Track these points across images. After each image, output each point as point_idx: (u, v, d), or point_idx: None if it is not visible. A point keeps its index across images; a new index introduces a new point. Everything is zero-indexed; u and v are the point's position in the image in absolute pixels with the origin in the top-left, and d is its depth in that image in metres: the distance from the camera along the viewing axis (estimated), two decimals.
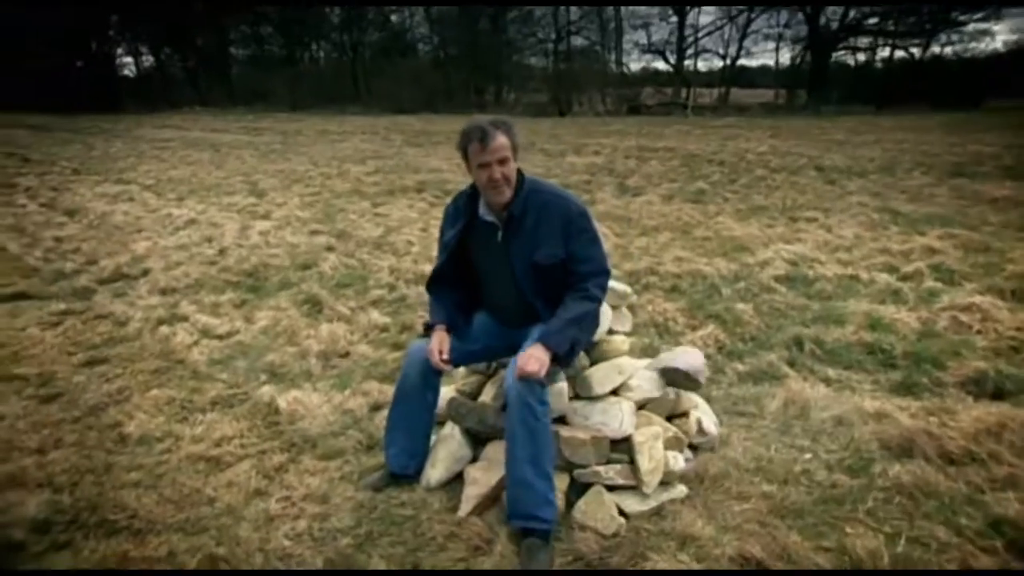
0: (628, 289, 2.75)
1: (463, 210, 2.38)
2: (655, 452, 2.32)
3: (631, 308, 4.37)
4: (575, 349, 2.23)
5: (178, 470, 2.60)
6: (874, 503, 2.33)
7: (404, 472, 2.45)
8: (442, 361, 2.30)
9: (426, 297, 4.46)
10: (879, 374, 3.45)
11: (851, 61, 34.24)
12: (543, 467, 2.15)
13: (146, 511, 2.34)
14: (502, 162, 2.17)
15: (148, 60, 40.59)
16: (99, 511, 2.33)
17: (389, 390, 3.23)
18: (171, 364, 3.56)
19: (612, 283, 2.53)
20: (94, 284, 4.92)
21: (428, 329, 2.41)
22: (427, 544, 2.19)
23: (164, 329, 3.99)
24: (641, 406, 2.53)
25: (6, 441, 2.80)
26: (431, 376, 2.39)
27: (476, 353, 2.50)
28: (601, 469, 2.33)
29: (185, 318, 4.17)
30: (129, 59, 40.63)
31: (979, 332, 3.89)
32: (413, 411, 2.44)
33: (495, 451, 2.42)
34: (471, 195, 2.37)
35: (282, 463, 2.64)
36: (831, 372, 3.44)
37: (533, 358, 2.10)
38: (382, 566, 2.09)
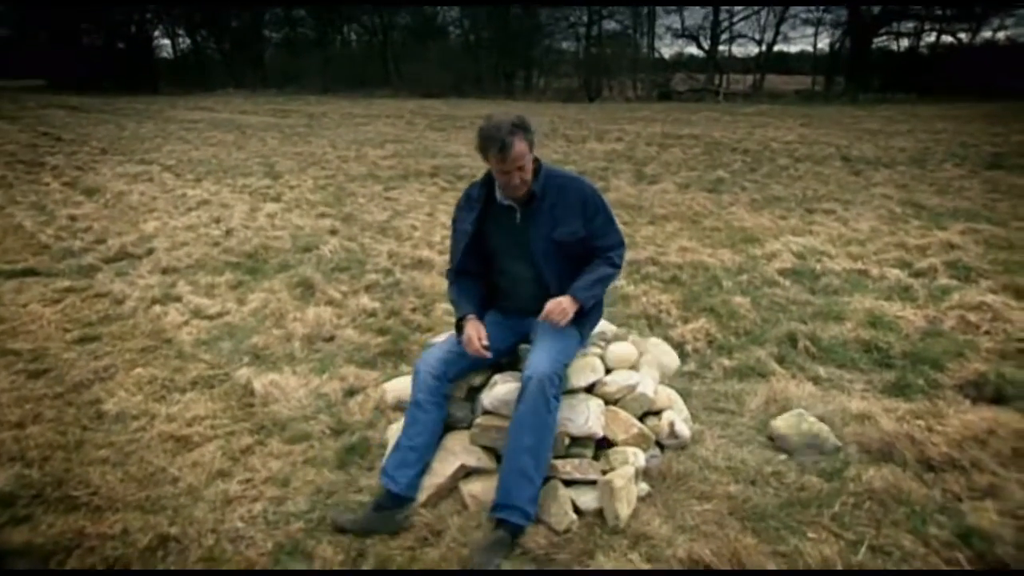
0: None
1: (478, 197, 2.41)
2: (630, 495, 2.22)
3: (624, 298, 4.32)
4: (597, 308, 2.43)
5: (147, 448, 2.64)
6: (841, 508, 2.24)
7: (407, 493, 2.24)
8: (482, 347, 2.27)
9: (419, 282, 4.51)
10: (873, 374, 3.32)
11: (894, 47, 32.94)
12: (542, 462, 2.15)
13: (109, 488, 2.38)
14: (520, 168, 2.24)
15: (185, 42, 41.34)
16: (63, 487, 2.38)
17: (367, 375, 3.25)
18: (159, 343, 3.62)
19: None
20: (99, 262, 5.02)
21: (460, 324, 2.38)
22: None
23: (157, 308, 4.06)
24: (615, 400, 2.48)
25: None
26: (441, 386, 2.31)
27: (477, 361, 2.41)
28: (559, 463, 2.29)
29: (179, 298, 4.24)
30: (167, 41, 41.42)
31: (987, 333, 3.72)
32: (423, 428, 2.29)
33: (453, 442, 2.40)
34: (485, 182, 2.42)
35: (249, 445, 2.67)
36: (822, 370, 3.33)
37: (561, 306, 2.21)
38: (330, 552, 2.08)
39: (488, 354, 2.29)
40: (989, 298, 4.08)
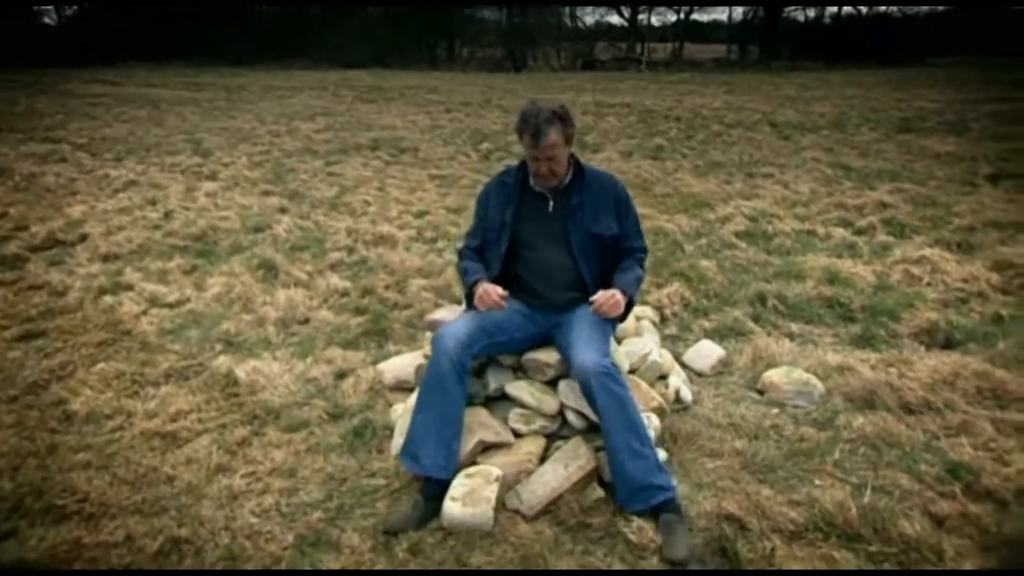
0: None
1: (514, 184, 2.37)
2: None
3: None
4: (631, 307, 2.37)
5: (131, 448, 2.46)
6: (840, 455, 2.38)
7: (444, 475, 2.11)
8: (499, 298, 2.21)
9: (387, 259, 4.38)
10: (839, 328, 3.52)
11: (801, 17, 34.48)
12: (641, 433, 2.08)
13: (98, 493, 2.20)
14: (551, 158, 2.22)
15: (71, 8, 37.64)
16: (45, 496, 2.17)
17: (353, 357, 3.15)
18: (117, 336, 3.36)
19: None
20: (25, 251, 4.57)
21: (471, 291, 2.31)
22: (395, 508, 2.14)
23: (108, 299, 3.75)
24: (633, 370, 2.51)
25: None
26: (466, 360, 2.19)
27: (503, 344, 2.34)
28: None
29: (130, 286, 3.93)
30: (49, 7, 37.55)
31: (929, 284, 4.02)
32: (449, 404, 2.15)
33: (469, 417, 2.35)
34: (520, 168, 2.39)
35: (245, 437, 2.53)
36: (794, 327, 3.50)
37: (615, 297, 2.19)
38: (356, 540, 2.02)
39: (504, 306, 2.23)
40: (927, 252, 4.40)
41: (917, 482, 2.23)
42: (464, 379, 2.20)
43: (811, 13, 33.99)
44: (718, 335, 3.42)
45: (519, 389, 2.39)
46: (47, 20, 38.03)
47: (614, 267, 2.39)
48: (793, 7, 33.42)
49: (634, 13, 34.35)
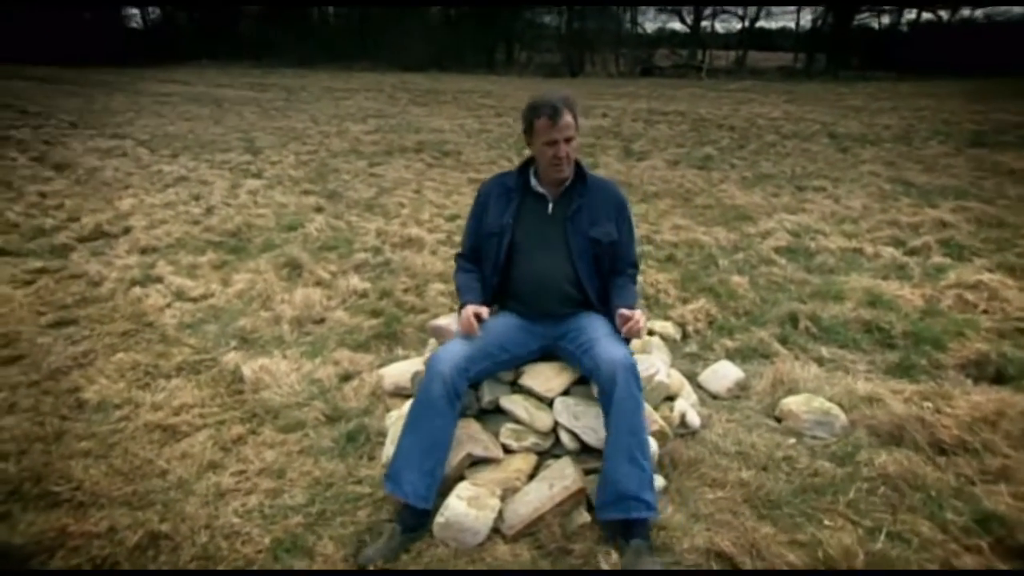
0: None
1: (516, 188, 2.33)
2: None
3: None
4: None
5: (132, 439, 2.50)
6: (856, 494, 2.20)
7: (424, 505, 2.00)
8: (474, 324, 2.14)
9: (410, 261, 4.37)
10: (876, 354, 3.29)
11: (875, 24, 32.93)
12: (644, 444, 1.99)
13: (92, 483, 2.25)
14: (568, 140, 2.18)
15: (155, 12, 39.83)
16: (43, 482, 2.24)
17: (361, 359, 3.13)
18: (140, 327, 3.46)
19: None
20: (73, 242, 4.79)
21: (462, 309, 2.26)
22: (381, 525, 2.09)
23: (137, 290, 3.87)
24: None
25: None
26: (460, 384, 2.09)
27: (504, 363, 2.28)
28: None
29: (160, 279, 4.05)
30: (136, 11, 39.85)
31: (984, 312, 3.71)
32: (437, 430, 2.05)
33: (461, 429, 2.29)
34: (521, 172, 2.34)
35: (241, 434, 2.54)
36: (825, 351, 3.28)
37: (639, 323, 2.11)
38: (331, 548, 1.98)
39: (479, 332, 2.15)
40: (985, 276, 4.06)
41: (940, 531, 2.03)
42: (456, 404, 2.10)
43: (886, 20, 32.48)
44: (741, 356, 3.24)
45: (513, 403, 2.31)
46: (133, 24, 40.37)
47: (609, 279, 2.30)
48: (866, 13, 31.99)
49: (697, 20, 33.66)
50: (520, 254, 2.30)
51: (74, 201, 5.86)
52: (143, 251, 4.60)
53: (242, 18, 40.13)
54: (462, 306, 2.26)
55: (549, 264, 2.27)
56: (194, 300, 3.78)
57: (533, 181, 2.31)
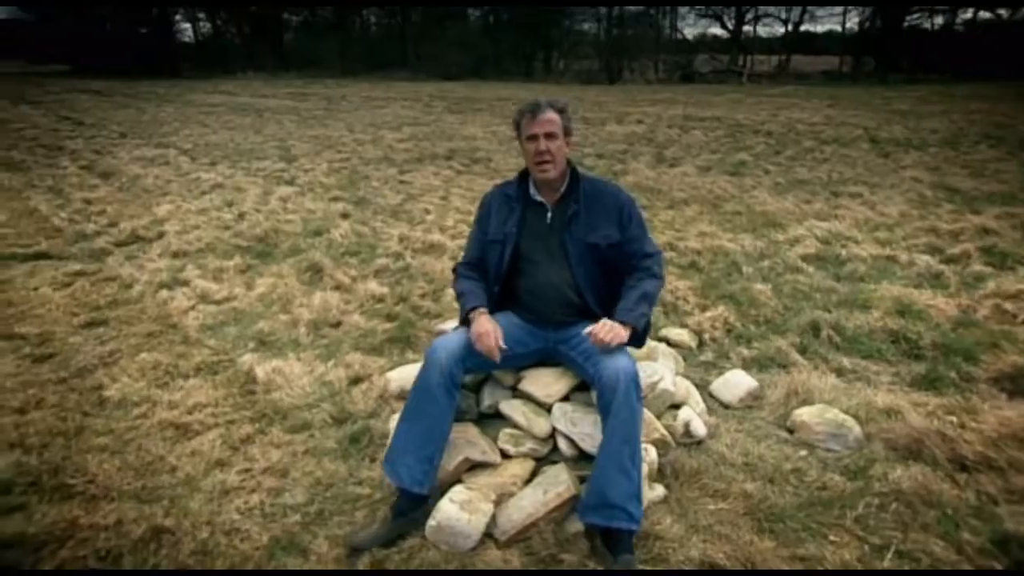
0: None
1: (516, 196, 2.31)
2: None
3: None
4: (647, 328, 2.24)
5: (147, 436, 2.59)
6: (865, 509, 2.11)
7: (419, 490, 2.04)
8: (497, 347, 2.08)
9: (429, 267, 4.40)
10: (901, 365, 3.16)
11: (928, 24, 31.72)
12: (638, 458, 1.96)
13: (105, 477, 2.33)
14: (549, 136, 2.17)
15: (205, 27, 41.43)
16: (60, 475, 2.33)
17: (372, 363, 3.17)
18: (165, 328, 3.57)
19: None
20: (111, 246, 5.00)
21: (467, 316, 2.21)
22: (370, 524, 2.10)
23: (164, 293, 4.01)
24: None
25: None
26: (457, 374, 2.11)
27: (503, 359, 2.22)
28: None
29: (187, 282, 4.18)
30: (188, 25, 41.52)
31: None
32: (435, 417, 2.07)
33: (456, 434, 2.29)
34: (520, 181, 2.34)
35: (249, 434, 2.60)
36: (846, 361, 3.17)
37: (610, 329, 2.04)
38: (325, 547, 2.01)
39: (497, 357, 2.10)
40: None
41: (954, 551, 1.94)
42: (454, 393, 2.12)
43: (940, 20, 31.22)
44: (757, 365, 3.16)
45: (512, 408, 2.31)
46: (186, 38, 42.09)
47: (621, 281, 2.25)
48: (917, 14, 30.83)
49: (738, 25, 33.13)
50: (521, 263, 2.29)
51: (115, 207, 6.11)
52: (174, 255, 4.76)
53: (287, 30, 41.39)
54: (470, 310, 2.21)
55: (549, 272, 2.26)
56: (217, 303, 3.90)
57: (532, 190, 2.30)
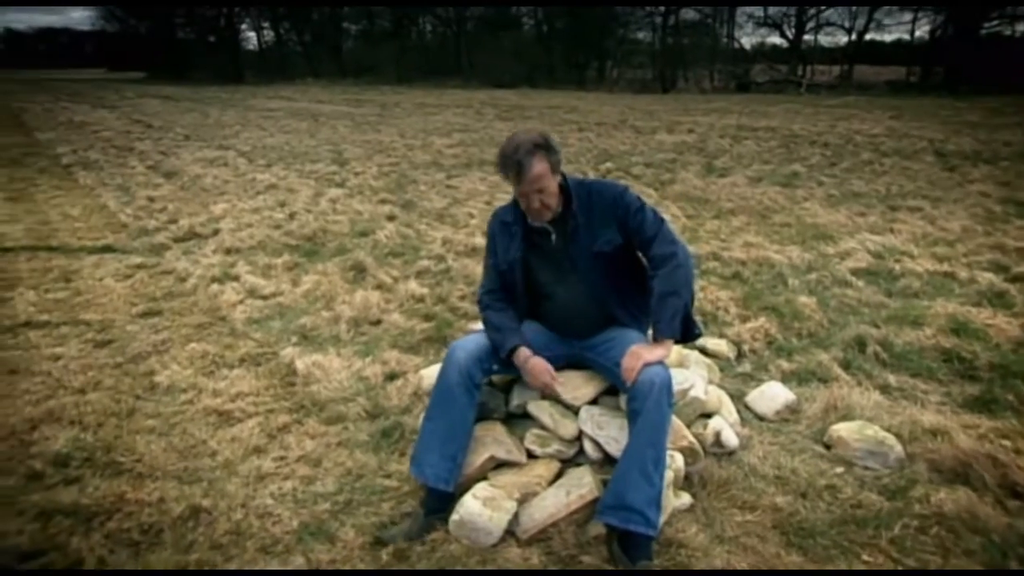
0: None
1: (515, 221, 2.27)
2: (666, 501, 2.07)
3: None
4: (688, 321, 2.18)
5: (191, 421, 2.71)
6: (903, 531, 2.03)
7: (444, 487, 2.08)
8: (555, 384, 2.16)
9: (470, 269, 4.46)
10: (952, 386, 3.02)
11: (1008, 31, 30.02)
12: (662, 464, 1.95)
13: (152, 457, 2.45)
14: (540, 191, 2.10)
15: (269, 35, 43.20)
16: (112, 452, 2.47)
17: (408, 360, 3.23)
18: (214, 320, 3.74)
19: None
20: (170, 241, 5.26)
21: (509, 355, 2.19)
22: (402, 519, 2.15)
23: (216, 287, 4.19)
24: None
25: (57, 380, 3.04)
26: (476, 374, 2.15)
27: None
28: None
29: (237, 277, 4.36)
30: (252, 34, 43.37)
31: None
32: (455, 416, 2.12)
33: (483, 432, 2.32)
34: (516, 205, 2.26)
35: (287, 424, 2.69)
36: (892, 379, 3.05)
37: (641, 360, 1.99)
38: (351, 535, 2.06)
39: (558, 393, 2.19)
40: None
41: None
42: (473, 392, 2.15)
43: (1021, 28, 29.51)
44: (797, 379, 3.07)
45: (540, 409, 2.32)
46: (250, 47, 43.96)
47: (644, 273, 2.21)
48: (996, 21, 29.22)
49: (798, 34, 32.29)
50: (537, 286, 2.29)
51: (176, 205, 6.43)
52: (227, 251, 4.97)
53: (346, 38, 42.68)
54: (512, 351, 2.17)
55: (566, 291, 2.24)
56: (264, 298, 4.05)
57: (530, 218, 2.24)
